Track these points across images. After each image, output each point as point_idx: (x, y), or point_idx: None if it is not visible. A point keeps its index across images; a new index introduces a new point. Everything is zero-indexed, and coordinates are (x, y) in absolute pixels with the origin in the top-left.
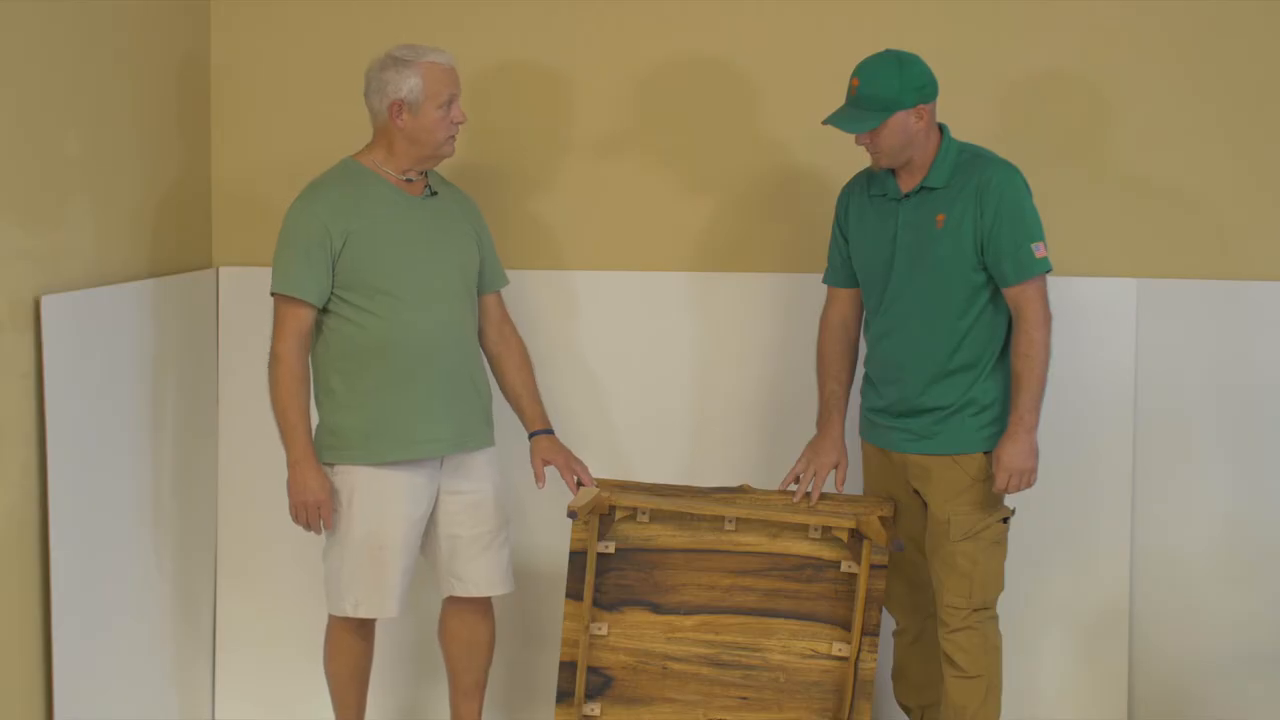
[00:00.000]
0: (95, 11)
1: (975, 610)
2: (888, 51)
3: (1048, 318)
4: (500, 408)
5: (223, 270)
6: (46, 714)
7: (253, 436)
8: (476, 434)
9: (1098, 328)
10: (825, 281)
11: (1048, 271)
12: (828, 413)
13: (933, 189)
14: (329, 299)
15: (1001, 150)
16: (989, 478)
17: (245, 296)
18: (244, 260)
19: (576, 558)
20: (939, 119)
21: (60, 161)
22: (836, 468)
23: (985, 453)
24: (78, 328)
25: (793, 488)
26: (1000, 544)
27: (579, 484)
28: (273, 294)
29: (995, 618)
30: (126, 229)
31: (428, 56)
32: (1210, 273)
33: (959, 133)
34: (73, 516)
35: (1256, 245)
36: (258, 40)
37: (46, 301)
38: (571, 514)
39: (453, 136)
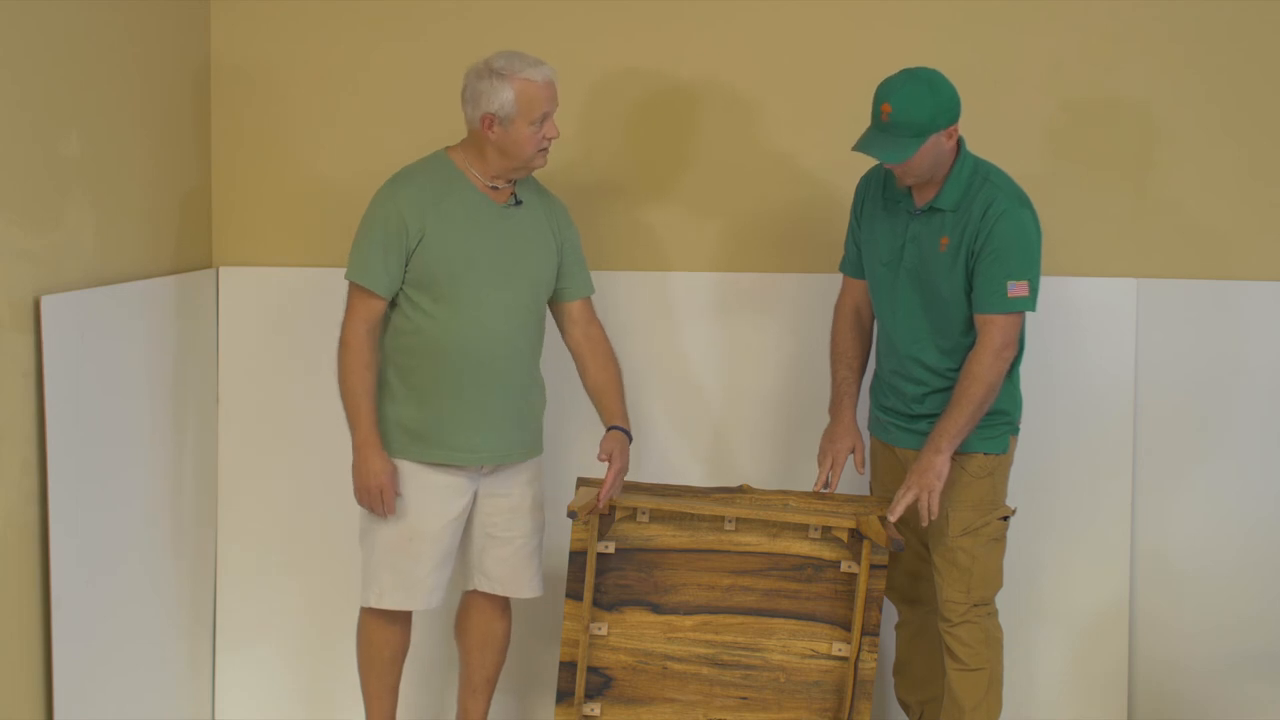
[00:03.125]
0: (96, 11)
1: (974, 605)
2: (914, 73)
3: (1004, 351)
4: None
5: (223, 270)
6: (46, 714)
7: (253, 436)
8: (521, 447)
9: (1098, 328)
10: (841, 269)
11: (1024, 310)
12: (839, 398)
13: (941, 210)
14: (398, 292)
15: (1001, 149)
16: (988, 476)
17: (245, 296)
18: (244, 260)
19: (576, 558)
20: None
21: (60, 161)
22: (854, 451)
23: (985, 453)
24: (78, 328)
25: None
26: (999, 541)
27: (577, 484)
28: (346, 279)
29: (994, 613)
30: (126, 229)
31: (524, 72)
32: (1210, 273)
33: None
34: (73, 516)
35: (1256, 245)
36: (258, 40)
37: (46, 301)
38: (571, 514)
39: (544, 150)
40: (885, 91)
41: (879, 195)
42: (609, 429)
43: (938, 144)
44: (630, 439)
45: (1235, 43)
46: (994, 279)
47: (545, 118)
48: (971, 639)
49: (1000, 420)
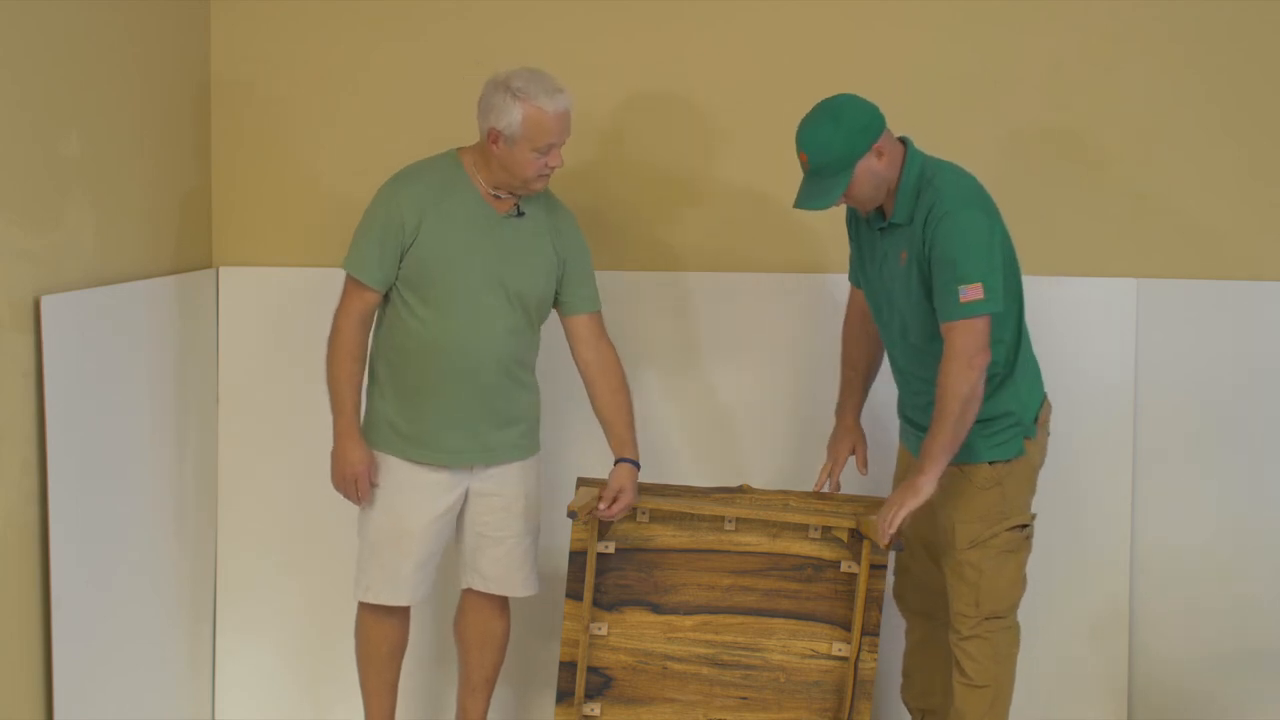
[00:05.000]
0: (96, 12)
1: (986, 619)
2: (816, 112)
3: (974, 359)
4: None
5: (223, 270)
6: (46, 714)
7: (253, 436)
8: (507, 449)
9: (1098, 328)
10: (850, 280)
11: (984, 314)
12: (842, 401)
13: (898, 225)
14: (391, 288)
15: (1001, 150)
16: (996, 486)
17: (245, 296)
18: (244, 260)
19: (576, 558)
20: (934, 115)
21: (60, 161)
22: (854, 452)
23: (992, 462)
24: (78, 328)
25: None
26: (1014, 553)
27: (577, 484)
28: (343, 268)
29: (1011, 627)
30: (126, 229)
31: (538, 99)
32: (1210, 273)
33: (961, 138)
34: (73, 516)
35: (1256, 245)
36: (258, 40)
37: (46, 301)
38: (571, 514)
39: (545, 176)
40: (798, 140)
41: (862, 216)
42: (618, 461)
43: (868, 167)
44: (639, 468)
45: (1235, 43)
46: (946, 285)
47: (551, 148)
48: (980, 654)
49: (1007, 423)
